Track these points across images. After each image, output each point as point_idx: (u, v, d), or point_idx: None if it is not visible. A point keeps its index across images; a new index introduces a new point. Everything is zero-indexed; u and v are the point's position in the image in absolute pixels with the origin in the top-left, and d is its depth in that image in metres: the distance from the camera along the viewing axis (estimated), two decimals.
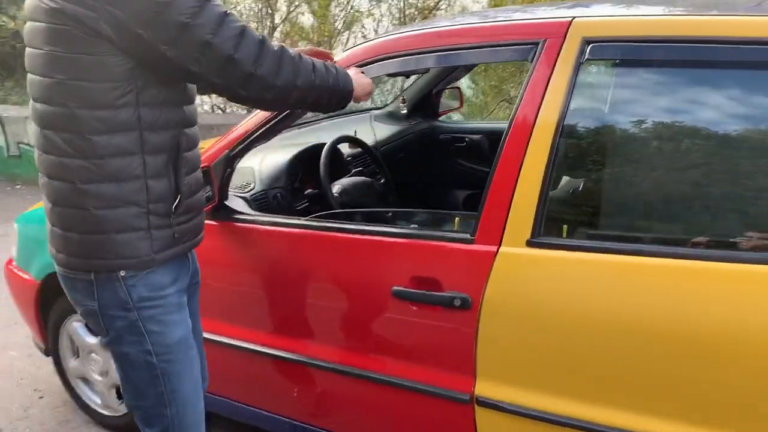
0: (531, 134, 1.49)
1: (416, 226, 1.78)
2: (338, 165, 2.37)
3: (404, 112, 2.91)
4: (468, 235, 1.56)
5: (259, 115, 1.88)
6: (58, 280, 2.15)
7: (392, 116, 3.17)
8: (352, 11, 8.42)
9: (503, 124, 3.38)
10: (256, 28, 8.02)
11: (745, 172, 1.39)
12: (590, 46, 1.48)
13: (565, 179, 1.56)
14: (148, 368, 1.43)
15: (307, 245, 1.78)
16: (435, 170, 3.14)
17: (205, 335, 1.74)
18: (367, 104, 3.21)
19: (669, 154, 1.47)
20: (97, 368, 2.45)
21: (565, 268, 1.44)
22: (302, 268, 1.80)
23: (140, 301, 1.38)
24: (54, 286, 2.36)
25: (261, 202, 2.05)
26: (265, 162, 2.17)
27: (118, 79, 1.26)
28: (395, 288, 1.60)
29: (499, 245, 1.50)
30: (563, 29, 1.52)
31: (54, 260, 1.43)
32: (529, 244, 1.47)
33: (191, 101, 1.44)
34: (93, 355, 2.44)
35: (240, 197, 2.03)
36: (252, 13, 8.27)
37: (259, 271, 1.87)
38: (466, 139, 3.11)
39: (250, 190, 2.07)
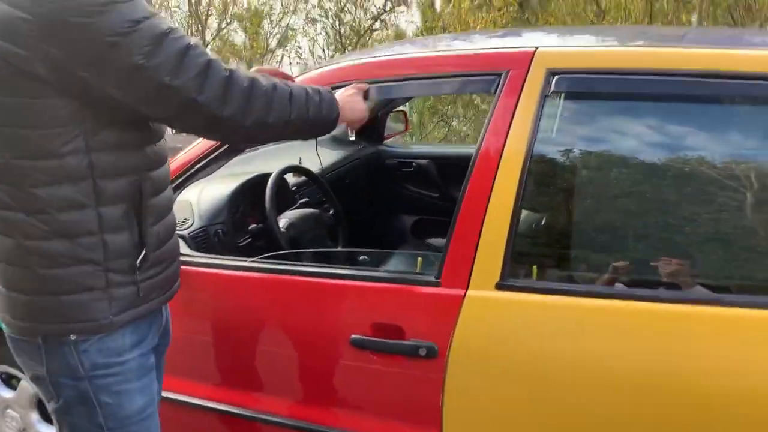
0: (497, 170, 1.41)
1: (375, 266, 1.67)
2: (284, 196, 2.23)
3: (352, 138, 2.80)
4: (432, 278, 1.45)
5: (200, 145, 1.74)
6: None
7: (337, 141, 3.05)
8: (285, 29, 8.28)
9: (450, 149, 3.39)
10: None
11: (725, 207, 1.35)
12: (555, 77, 1.42)
13: (534, 217, 1.49)
14: None
15: (255, 289, 1.63)
16: (382, 196, 3.05)
17: None
18: None
19: (644, 190, 1.42)
20: (15, 426, 2.20)
21: (538, 313, 1.36)
22: (250, 315, 1.64)
23: (93, 368, 1.21)
24: None
25: (200, 240, 1.89)
26: (204, 195, 2.01)
27: (62, 124, 1.10)
28: (354, 336, 1.47)
29: (467, 288, 1.41)
30: (526, 60, 1.45)
31: None
32: (499, 287, 1.38)
33: (157, 139, 1.27)
34: (9, 411, 2.19)
35: (177, 235, 1.85)
36: (182, 29, 7.99)
37: (202, 318, 1.70)
38: (413, 163, 3.03)
39: (189, 226, 1.90)
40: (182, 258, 1.70)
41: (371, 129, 3.16)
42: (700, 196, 1.37)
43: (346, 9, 7.35)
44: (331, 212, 2.25)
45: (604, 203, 1.45)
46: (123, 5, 1.06)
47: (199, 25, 7.83)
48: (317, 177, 2.32)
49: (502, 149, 1.41)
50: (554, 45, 1.52)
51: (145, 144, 1.23)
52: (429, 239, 2.97)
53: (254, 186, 2.11)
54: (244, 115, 1.19)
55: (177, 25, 7.95)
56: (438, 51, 1.62)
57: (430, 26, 9.46)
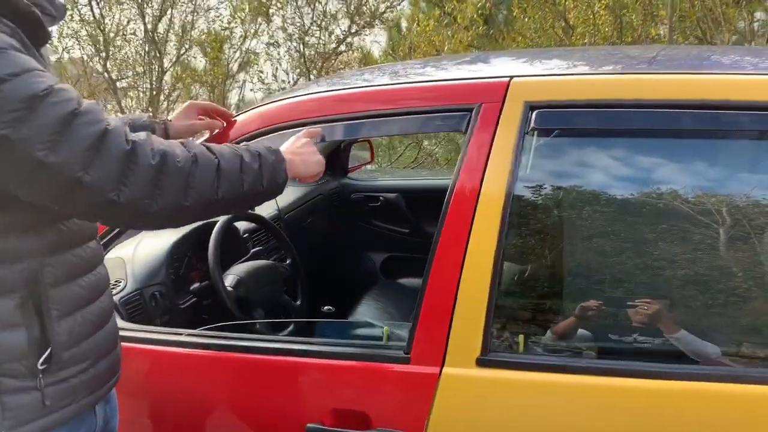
0: (472, 223, 1.19)
1: (334, 337, 1.43)
2: (234, 245, 1.98)
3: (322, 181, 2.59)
4: (401, 352, 1.22)
5: None
6: None
7: None
8: (246, 53, 8.06)
9: (420, 180, 3.17)
10: (143, 73, 7.48)
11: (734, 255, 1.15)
12: (535, 112, 1.21)
13: (518, 274, 1.27)
14: None
15: (193, 369, 1.38)
16: (348, 234, 2.82)
17: None
18: None
19: (648, 238, 1.20)
20: None
21: (528, 394, 1.13)
22: (189, 399, 1.39)
23: None
24: None
25: (134, 306, 1.62)
26: (139, 250, 1.75)
27: None
28: (310, 426, 1.23)
29: (442, 365, 1.18)
30: (500, 91, 1.25)
31: None
32: (480, 362, 1.16)
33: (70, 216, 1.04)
34: None
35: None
36: (139, 56, 7.71)
37: (138, 402, 1.44)
38: (381, 197, 2.81)
39: (120, 290, 1.64)
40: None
41: (334, 161, 2.94)
42: (715, 243, 1.16)
43: (310, 31, 7.16)
44: (287, 262, 2.01)
45: (601, 255, 1.24)
46: None
47: (157, 52, 7.54)
48: (269, 223, 2.08)
49: (478, 194, 1.19)
50: (529, 74, 1.31)
51: (46, 224, 0.99)
52: (401, 279, 2.75)
53: (199, 235, 1.86)
54: (151, 197, 0.95)
55: (133, 52, 7.68)
56: (401, 83, 1.40)
57: (396, 46, 9.34)
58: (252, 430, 1.32)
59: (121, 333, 1.42)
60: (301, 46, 7.28)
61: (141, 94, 7.74)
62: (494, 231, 1.17)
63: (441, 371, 1.17)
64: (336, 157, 2.92)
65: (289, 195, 2.59)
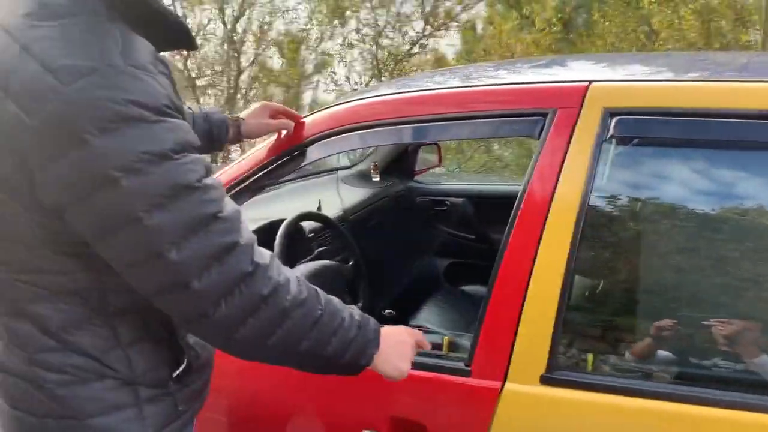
0: (542, 232, 1.14)
1: None
2: (300, 244, 1.98)
3: (376, 179, 2.56)
4: (462, 364, 1.18)
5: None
6: None
7: (363, 177, 2.82)
8: (322, 55, 8.17)
9: (488, 185, 3.11)
10: (221, 72, 7.71)
11: None
12: (615, 119, 1.14)
13: (590, 289, 1.20)
14: None
15: (260, 366, 1.38)
16: (412, 238, 2.78)
17: None
18: (333, 163, 2.84)
19: (736, 257, 1.12)
20: None
21: (595, 417, 1.07)
22: (250, 396, 1.40)
23: None
24: None
25: None
26: None
27: None
28: None
29: (504, 380, 1.13)
30: (578, 97, 1.19)
31: None
32: (545, 380, 1.10)
33: None
34: None
35: None
36: (218, 56, 7.95)
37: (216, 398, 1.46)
38: (447, 202, 2.76)
39: None
40: None
41: (401, 164, 2.92)
42: None
43: (384, 33, 7.17)
44: (350, 263, 1.99)
45: (680, 273, 1.16)
46: (143, 126, 0.76)
47: (235, 51, 7.75)
48: (335, 224, 2.07)
49: (550, 203, 1.14)
50: (610, 79, 1.24)
51: None
52: (464, 286, 2.69)
53: (266, 234, 1.87)
54: (241, 325, 0.86)
55: (212, 51, 7.91)
56: (472, 85, 1.36)
57: (471, 49, 9.24)
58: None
59: None
60: (375, 47, 7.30)
61: (219, 93, 7.97)
62: (566, 242, 1.12)
63: (503, 387, 1.13)
64: (403, 159, 2.90)
65: (355, 196, 2.59)
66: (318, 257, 1.97)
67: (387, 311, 2.07)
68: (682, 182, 1.17)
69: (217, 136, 1.43)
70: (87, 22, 0.78)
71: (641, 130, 1.15)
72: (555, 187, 1.14)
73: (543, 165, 1.17)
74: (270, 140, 1.53)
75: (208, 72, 7.98)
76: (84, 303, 0.89)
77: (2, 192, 0.81)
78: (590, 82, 1.20)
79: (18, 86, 0.75)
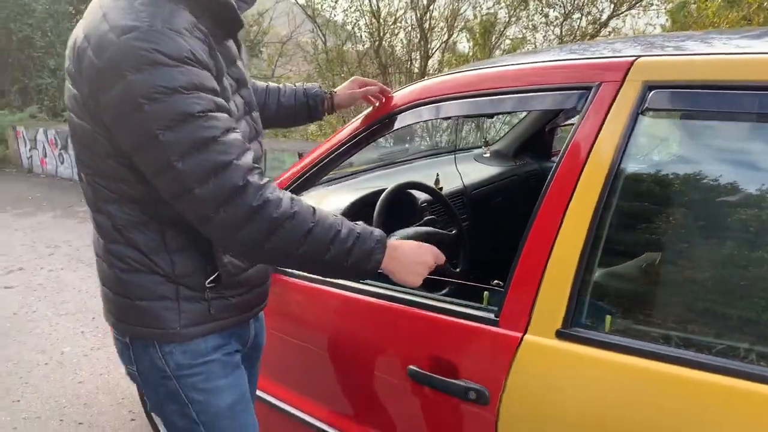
0: (571, 198, 1.21)
1: (442, 295, 1.55)
2: (409, 211, 2.18)
3: (486, 155, 2.65)
4: (493, 315, 1.30)
5: (315, 153, 1.79)
6: None
7: (498, 156, 2.92)
8: (508, 39, 8.16)
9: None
10: (409, 59, 8.08)
11: None
12: (652, 92, 1.18)
13: (614, 255, 1.25)
14: None
15: (335, 306, 1.62)
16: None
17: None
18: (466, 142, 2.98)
19: (758, 229, 1.11)
20: None
21: (602, 373, 1.13)
22: (331, 331, 1.64)
23: (178, 369, 1.26)
24: None
25: None
26: (322, 205, 2.05)
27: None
28: (410, 368, 1.39)
29: (525, 331, 1.24)
30: (622, 71, 1.23)
31: None
32: (560, 335, 1.19)
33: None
34: None
35: None
36: (408, 42, 8.33)
37: (291, 325, 1.75)
38: None
39: None
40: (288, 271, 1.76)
41: (538, 144, 2.97)
42: None
43: (570, 15, 6.98)
44: (453, 232, 2.14)
45: (706, 246, 1.16)
46: (164, 69, 1.01)
47: (424, 38, 8.07)
48: (438, 194, 2.23)
49: (579, 174, 1.21)
50: (658, 53, 1.25)
51: None
52: None
53: (375, 196, 2.09)
54: (238, 229, 1.08)
55: (404, 40, 8.29)
56: (525, 63, 1.44)
57: (679, 29, 8.56)
58: (369, 363, 1.52)
59: (291, 270, 1.73)
60: (560, 29, 7.14)
61: (405, 79, 8.35)
62: (590, 207, 1.18)
63: (522, 337, 1.23)
64: (540, 138, 2.94)
65: (481, 171, 2.71)
66: (424, 224, 2.14)
67: (495, 281, 2.18)
68: (711, 154, 1.17)
69: (314, 108, 1.70)
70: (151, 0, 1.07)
71: (677, 102, 1.16)
72: (586, 158, 1.21)
73: (579, 137, 1.24)
74: (362, 113, 1.75)
75: (399, 59, 8.40)
76: (142, 210, 1.18)
77: (82, 111, 1.11)
78: (638, 56, 1.24)
79: (95, 39, 1.04)
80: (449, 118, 1.56)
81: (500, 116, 3.15)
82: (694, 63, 1.17)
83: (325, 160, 1.78)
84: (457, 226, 2.16)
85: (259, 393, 1.78)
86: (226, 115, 1.09)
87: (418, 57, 8.24)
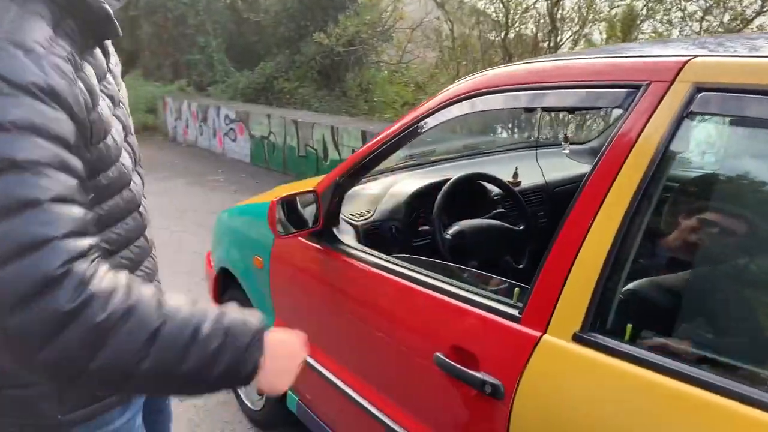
0: (604, 199, 1.18)
1: (476, 286, 1.54)
2: (480, 202, 2.18)
3: (566, 151, 2.54)
4: (517, 312, 1.30)
5: (369, 144, 1.84)
6: (229, 273, 2.41)
7: (593, 153, 2.81)
8: (644, 35, 7.71)
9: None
10: (537, 49, 7.88)
11: None
12: (700, 94, 1.11)
13: (642, 264, 1.20)
14: None
15: (376, 286, 1.68)
16: None
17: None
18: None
19: None
20: None
21: (616, 382, 1.09)
22: (370, 308, 1.70)
23: None
24: (224, 279, 2.64)
25: (372, 233, 1.99)
26: (391, 192, 2.10)
27: None
28: (437, 355, 1.41)
29: (544, 331, 1.22)
30: (673, 72, 1.17)
31: None
32: (576, 338, 1.16)
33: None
34: None
35: (352, 224, 2.00)
36: (536, 32, 8.13)
37: (341, 301, 1.83)
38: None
39: (366, 219, 2.02)
40: (341, 246, 1.84)
41: None
42: None
43: (710, 10, 6.47)
44: (521, 228, 2.11)
45: (740, 257, 1.09)
46: None
47: (554, 29, 7.83)
48: (508, 187, 2.20)
49: (615, 175, 1.17)
50: (716, 54, 1.17)
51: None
52: None
53: (439, 186, 2.11)
54: (39, 340, 0.73)
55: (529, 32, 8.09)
56: (574, 59, 1.40)
57: None
58: (401, 345, 1.56)
59: (348, 250, 1.81)
60: (698, 25, 6.64)
61: None
62: (622, 210, 1.14)
63: (540, 337, 1.22)
64: None
65: (568, 168, 2.63)
66: (494, 217, 2.14)
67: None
68: (759, 164, 1.08)
69: None
70: None
71: (726, 107, 1.09)
72: (624, 159, 1.17)
73: (619, 137, 1.20)
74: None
75: (525, 49, 8.22)
76: None
77: None
78: (693, 57, 1.17)
79: None
80: (489, 110, 1.54)
81: (599, 112, 3.02)
82: (748, 66, 1.09)
83: (391, 142, 1.80)
84: (525, 222, 2.13)
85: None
86: (69, 180, 0.79)
87: (546, 47, 8.00)
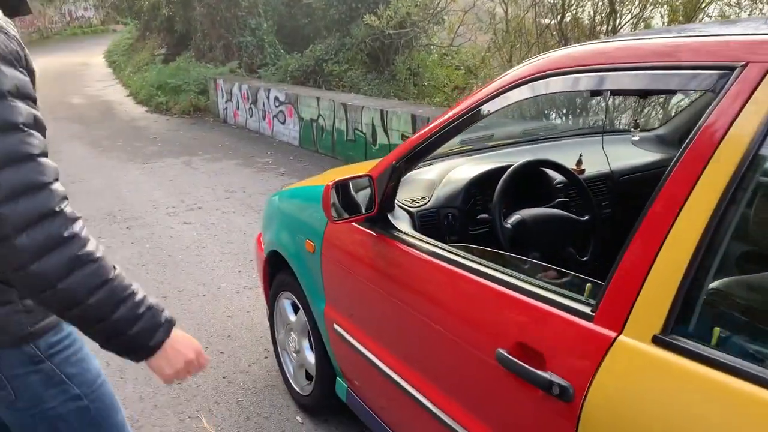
0: (692, 190, 1.08)
1: (541, 280, 1.45)
2: (541, 191, 2.07)
3: (635, 138, 2.40)
4: (589, 310, 1.21)
5: (426, 128, 1.76)
6: (279, 256, 2.40)
7: (659, 142, 2.66)
8: (710, 17, 7.35)
9: None
10: (591, 34, 7.61)
11: None
12: None
13: (735, 263, 1.10)
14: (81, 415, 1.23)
15: (432, 275, 1.61)
16: None
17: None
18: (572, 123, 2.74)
19: None
20: (293, 346, 2.64)
21: (699, 390, 1.00)
22: (424, 298, 1.64)
23: (49, 348, 1.19)
24: (275, 261, 2.62)
25: (427, 219, 1.91)
26: (448, 178, 2.02)
27: None
28: (499, 351, 1.34)
29: (620, 331, 1.14)
30: None
31: None
32: (657, 341, 1.07)
33: None
34: (292, 333, 2.63)
35: (407, 210, 1.93)
36: (594, 16, 7.84)
37: (394, 289, 1.76)
38: None
39: (422, 205, 1.95)
40: (395, 233, 1.78)
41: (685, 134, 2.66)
42: None
43: None
44: (585, 218, 2.00)
45: None
46: None
47: (613, 12, 7.54)
48: (573, 175, 2.09)
49: (704, 166, 1.07)
50: None
51: None
52: None
53: (499, 173, 2.02)
54: (36, 256, 0.97)
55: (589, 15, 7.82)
56: (658, 38, 1.28)
57: None
58: (458, 337, 1.49)
59: (403, 237, 1.74)
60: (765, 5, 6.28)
61: None
62: (712, 203, 1.04)
63: (616, 338, 1.13)
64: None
65: (636, 158, 2.50)
66: (555, 206, 2.04)
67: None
68: None
69: None
70: None
71: None
72: (716, 147, 1.07)
73: (711, 123, 1.10)
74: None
75: (584, 30, 7.94)
76: None
77: None
78: None
79: None
80: (552, 94, 1.44)
81: (669, 96, 2.86)
82: None
83: (450, 127, 1.73)
84: (590, 212, 2.02)
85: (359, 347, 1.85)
86: (41, 136, 1.02)
87: (603, 31, 7.71)
